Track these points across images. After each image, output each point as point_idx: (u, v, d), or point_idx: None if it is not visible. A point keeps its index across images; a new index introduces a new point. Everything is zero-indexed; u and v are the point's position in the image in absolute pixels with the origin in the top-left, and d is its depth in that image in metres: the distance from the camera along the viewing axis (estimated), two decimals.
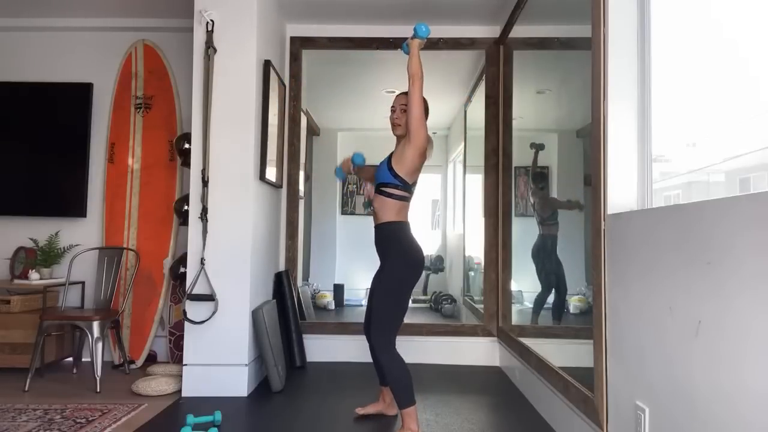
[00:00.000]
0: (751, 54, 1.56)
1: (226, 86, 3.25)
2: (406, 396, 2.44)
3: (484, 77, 4.23)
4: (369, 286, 2.72)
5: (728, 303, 1.31)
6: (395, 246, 2.56)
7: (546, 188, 3.42)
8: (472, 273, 5.45)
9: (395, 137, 2.72)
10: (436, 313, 5.93)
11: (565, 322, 3.15)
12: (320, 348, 4.00)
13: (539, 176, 3.50)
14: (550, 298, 3.30)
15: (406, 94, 2.63)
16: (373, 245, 2.67)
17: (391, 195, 2.56)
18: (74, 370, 3.70)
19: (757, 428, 1.20)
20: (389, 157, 2.62)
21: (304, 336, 3.98)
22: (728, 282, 1.31)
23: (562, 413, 2.54)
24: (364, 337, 2.82)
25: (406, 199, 2.61)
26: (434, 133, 7.43)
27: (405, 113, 2.60)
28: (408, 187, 2.59)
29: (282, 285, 3.89)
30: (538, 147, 3.47)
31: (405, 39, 2.68)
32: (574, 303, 2.93)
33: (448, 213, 6.87)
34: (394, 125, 2.67)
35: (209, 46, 3.22)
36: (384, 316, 2.50)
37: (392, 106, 2.69)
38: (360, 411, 2.82)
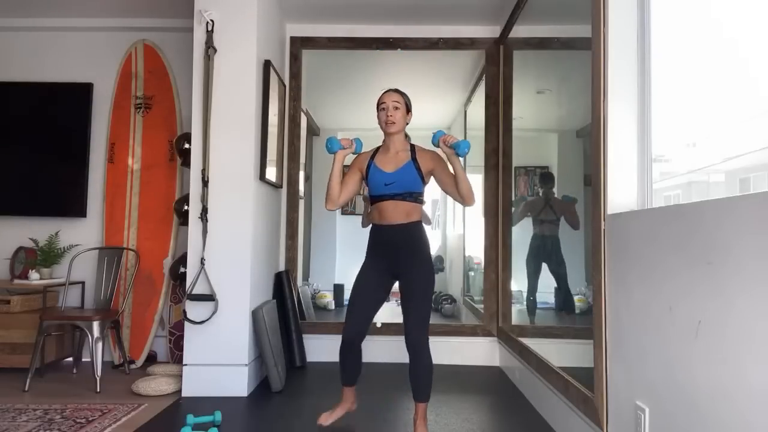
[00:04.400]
0: (751, 54, 1.56)
1: (226, 86, 3.25)
2: (430, 390, 2.52)
3: (484, 77, 4.23)
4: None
5: (729, 303, 1.30)
6: (426, 247, 2.56)
7: (552, 189, 3.38)
8: (472, 273, 5.46)
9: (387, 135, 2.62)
10: (436, 313, 5.93)
11: (565, 322, 3.16)
12: (320, 348, 4.00)
13: (547, 176, 3.47)
14: (549, 298, 3.30)
15: (395, 91, 2.59)
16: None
17: (421, 201, 2.58)
18: (74, 370, 3.70)
19: (757, 428, 1.20)
20: (416, 166, 2.52)
21: (304, 336, 3.98)
22: (729, 282, 1.31)
23: (562, 413, 2.54)
24: (363, 338, 2.78)
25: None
26: (434, 133, 7.45)
27: (397, 110, 2.54)
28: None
29: (282, 285, 3.89)
30: (572, 200, 3.34)
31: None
32: (574, 303, 2.93)
33: (448, 213, 6.87)
34: (387, 123, 2.55)
35: (209, 46, 3.22)
36: (426, 315, 2.50)
37: (382, 103, 2.57)
38: (327, 420, 2.63)
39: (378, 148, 2.64)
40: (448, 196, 2.61)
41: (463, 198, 2.47)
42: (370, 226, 2.61)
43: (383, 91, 2.62)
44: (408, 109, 2.61)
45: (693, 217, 1.47)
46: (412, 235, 2.53)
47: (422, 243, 2.54)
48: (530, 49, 3.67)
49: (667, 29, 1.98)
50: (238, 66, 3.27)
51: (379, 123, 2.59)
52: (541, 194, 3.46)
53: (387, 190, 2.52)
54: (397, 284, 2.59)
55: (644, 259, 1.76)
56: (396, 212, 2.51)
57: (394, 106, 2.55)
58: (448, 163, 2.49)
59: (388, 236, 2.53)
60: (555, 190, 3.33)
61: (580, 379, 2.34)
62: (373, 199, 2.56)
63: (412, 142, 2.65)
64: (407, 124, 2.63)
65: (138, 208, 4.01)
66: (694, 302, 1.45)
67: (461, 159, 2.44)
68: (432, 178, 2.58)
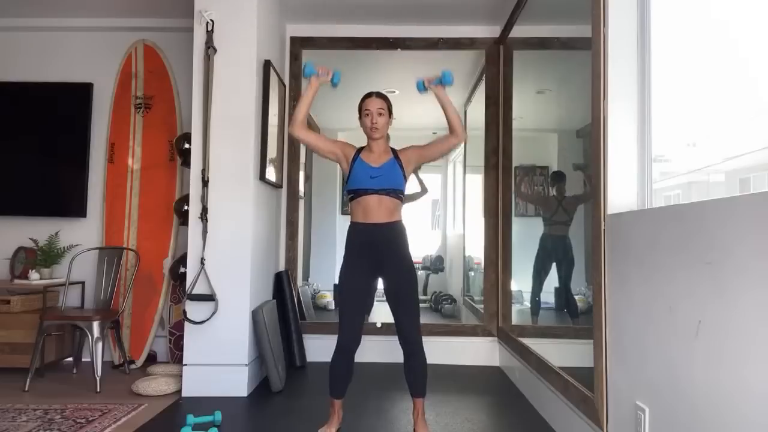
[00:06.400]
0: (751, 54, 1.56)
1: (226, 86, 3.25)
2: (426, 385, 2.58)
3: (484, 77, 4.23)
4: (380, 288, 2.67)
5: (729, 303, 1.30)
6: (408, 246, 2.59)
7: (564, 187, 3.35)
8: (472, 273, 5.45)
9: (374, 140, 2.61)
10: (436, 313, 5.93)
11: (566, 322, 3.16)
12: (320, 348, 3.99)
13: (558, 175, 3.44)
14: (549, 297, 3.30)
15: (378, 96, 2.60)
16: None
17: (402, 199, 2.61)
18: (74, 370, 3.70)
19: (757, 428, 1.20)
20: (399, 164, 2.57)
21: (304, 336, 3.98)
22: (729, 282, 1.31)
23: (562, 413, 2.54)
24: (363, 338, 2.77)
25: None
26: (434, 132, 7.45)
27: (381, 116, 2.56)
28: None
29: (282, 285, 3.89)
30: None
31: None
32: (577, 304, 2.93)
33: (448, 213, 6.87)
34: (372, 129, 2.56)
35: (209, 46, 3.22)
36: (418, 313, 2.56)
37: (366, 110, 2.57)
38: None
39: (362, 148, 2.64)
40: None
41: (454, 129, 2.54)
42: (348, 225, 2.60)
43: (366, 96, 2.62)
44: (390, 113, 2.63)
45: (693, 217, 1.47)
46: (396, 235, 2.56)
47: (405, 243, 2.59)
48: (530, 49, 3.67)
49: (667, 29, 1.98)
50: (238, 66, 3.27)
51: (363, 128, 2.62)
52: (554, 193, 3.41)
53: (372, 184, 2.52)
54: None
55: (644, 259, 1.76)
56: (380, 210, 2.52)
57: (378, 113, 2.57)
58: (438, 99, 2.56)
59: (372, 236, 2.53)
60: (566, 187, 3.31)
61: (580, 379, 2.34)
62: (356, 194, 2.55)
63: (392, 146, 2.68)
64: (390, 126, 2.65)
65: (138, 208, 4.01)
66: (695, 302, 1.45)
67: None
68: (420, 167, 2.62)
